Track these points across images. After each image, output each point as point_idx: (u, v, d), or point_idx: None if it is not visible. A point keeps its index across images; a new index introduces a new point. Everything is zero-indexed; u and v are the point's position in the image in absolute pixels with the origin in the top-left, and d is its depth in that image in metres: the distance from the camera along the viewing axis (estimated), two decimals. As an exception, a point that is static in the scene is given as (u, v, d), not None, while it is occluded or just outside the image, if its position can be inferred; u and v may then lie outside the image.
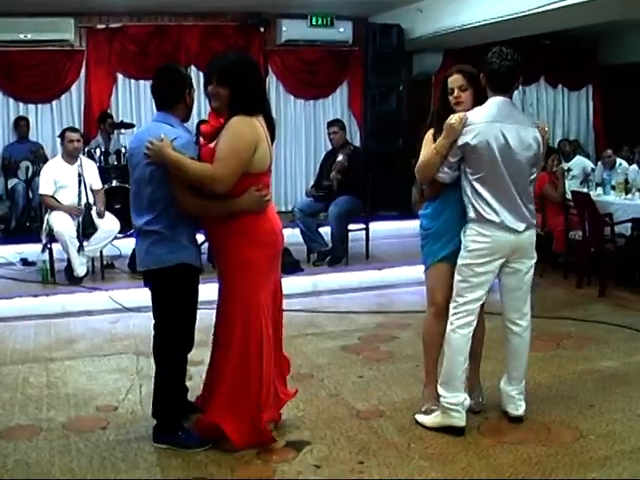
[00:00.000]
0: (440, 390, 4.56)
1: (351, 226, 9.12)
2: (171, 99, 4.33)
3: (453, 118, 4.38)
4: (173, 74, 4.42)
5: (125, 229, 8.17)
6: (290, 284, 8.22)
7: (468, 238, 4.48)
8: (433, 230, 4.64)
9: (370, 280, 8.75)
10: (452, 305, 4.53)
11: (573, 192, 8.77)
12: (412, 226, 11.33)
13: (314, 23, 11.43)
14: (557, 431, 4.61)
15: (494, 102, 4.45)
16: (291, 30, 11.46)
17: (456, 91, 4.56)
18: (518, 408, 4.74)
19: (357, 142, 11.88)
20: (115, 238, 8.23)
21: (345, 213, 8.86)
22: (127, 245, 8.15)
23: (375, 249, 9.53)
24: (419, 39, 11.34)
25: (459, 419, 4.52)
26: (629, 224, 8.32)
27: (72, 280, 7.96)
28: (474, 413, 4.77)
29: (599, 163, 10.74)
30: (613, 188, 9.40)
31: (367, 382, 5.51)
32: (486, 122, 4.37)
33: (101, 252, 8.20)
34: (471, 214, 4.45)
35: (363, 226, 9.34)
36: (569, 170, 10.00)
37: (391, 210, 11.18)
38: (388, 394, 5.25)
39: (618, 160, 10.63)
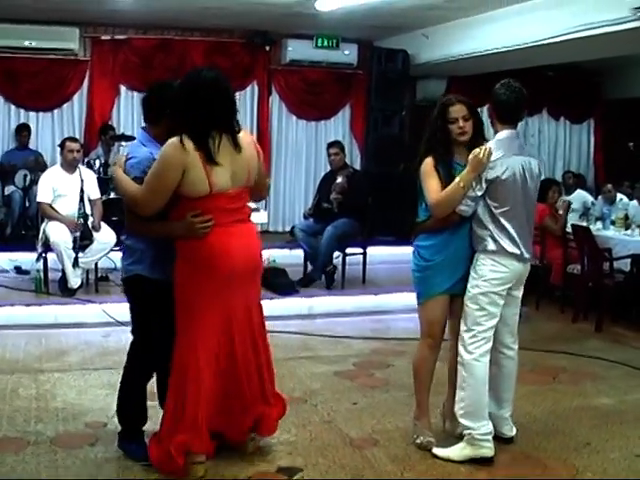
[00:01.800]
0: (466, 422, 4.52)
1: (348, 250, 9.06)
2: (149, 116, 4.32)
3: (480, 152, 4.35)
4: (157, 91, 4.33)
5: (121, 242, 8.08)
6: (285, 305, 8.30)
7: (485, 268, 4.49)
8: (437, 262, 4.56)
9: (366, 305, 8.67)
10: (468, 335, 4.52)
11: (573, 226, 8.73)
12: (408, 252, 11.35)
13: (319, 44, 11.42)
14: (553, 467, 4.55)
15: (509, 135, 4.56)
16: (296, 50, 11.44)
17: (461, 121, 4.53)
18: (512, 429, 4.82)
19: (357, 165, 11.83)
20: (111, 250, 8.15)
21: (340, 235, 8.78)
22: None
23: (372, 274, 9.45)
24: (424, 65, 11.33)
25: (489, 449, 4.52)
26: (628, 260, 8.28)
27: (66, 291, 7.88)
28: (458, 438, 4.70)
29: (599, 197, 10.71)
30: (613, 223, 9.39)
31: (361, 409, 5.43)
32: (513, 155, 4.47)
33: (96, 264, 8.12)
34: (491, 247, 4.47)
35: (361, 250, 9.28)
36: (570, 203, 9.96)
37: (388, 235, 11.09)
38: (382, 423, 5.17)
39: (619, 195, 10.60)
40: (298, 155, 12.25)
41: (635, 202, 10.12)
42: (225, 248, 4.05)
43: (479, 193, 4.43)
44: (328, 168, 9.71)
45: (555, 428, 5.18)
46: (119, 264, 8.52)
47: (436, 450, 4.62)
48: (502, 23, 9.35)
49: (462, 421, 4.55)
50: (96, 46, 11.03)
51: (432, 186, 4.46)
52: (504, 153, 4.45)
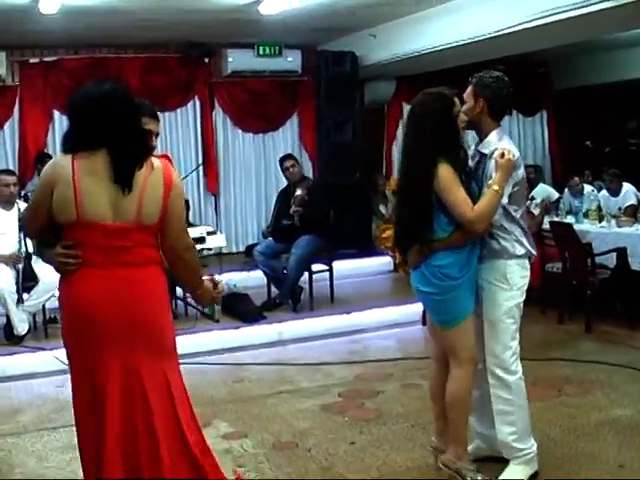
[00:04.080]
0: (520, 445, 4.15)
1: (314, 267, 8.48)
2: None
3: (507, 153, 3.94)
4: None
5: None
6: (252, 334, 7.72)
7: (515, 275, 4.10)
8: (465, 279, 4.01)
9: (338, 325, 8.08)
10: (508, 353, 4.11)
11: (552, 223, 8.28)
12: (373, 264, 11.01)
13: (261, 53, 10.80)
14: (593, 501, 4.01)
15: (503, 131, 4.19)
16: (237, 60, 10.79)
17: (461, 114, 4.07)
18: None
19: (310, 176, 11.22)
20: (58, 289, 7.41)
21: (307, 256, 8.23)
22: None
23: (339, 290, 8.87)
24: (373, 66, 10.83)
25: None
26: (608, 255, 7.85)
27: (12, 339, 7.16)
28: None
29: (566, 190, 10.27)
30: (585, 216, 8.99)
31: (361, 449, 4.82)
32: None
33: (43, 306, 7.40)
34: (519, 251, 4.11)
35: (326, 267, 8.71)
36: (532, 199, 9.51)
37: (350, 247, 10.52)
38: (388, 463, 4.58)
39: (586, 187, 10.19)
40: (247, 170, 11.61)
41: (605, 192, 9.72)
42: (85, 295, 3.21)
43: (506, 199, 3.98)
44: (280, 183, 9.24)
45: (580, 450, 4.64)
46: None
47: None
48: (454, 17, 8.85)
49: (516, 445, 4.14)
50: (25, 70, 10.27)
51: (463, 198, 3.91)
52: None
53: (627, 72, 12.00)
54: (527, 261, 4.18)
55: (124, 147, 3.18)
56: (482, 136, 4.16)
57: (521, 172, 4.08)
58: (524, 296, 4.15)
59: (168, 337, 3.36)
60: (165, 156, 3.51)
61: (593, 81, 12.61)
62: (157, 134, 3.85)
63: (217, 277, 3.88)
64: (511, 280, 4.08)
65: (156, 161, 3.28)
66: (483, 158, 4.08)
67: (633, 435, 4.87)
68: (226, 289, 3.79)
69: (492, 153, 4.00)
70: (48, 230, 3.32)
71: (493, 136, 4.11)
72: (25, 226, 3.50)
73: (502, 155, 3.93)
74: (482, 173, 4.05)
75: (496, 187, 3.89)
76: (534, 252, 4.21)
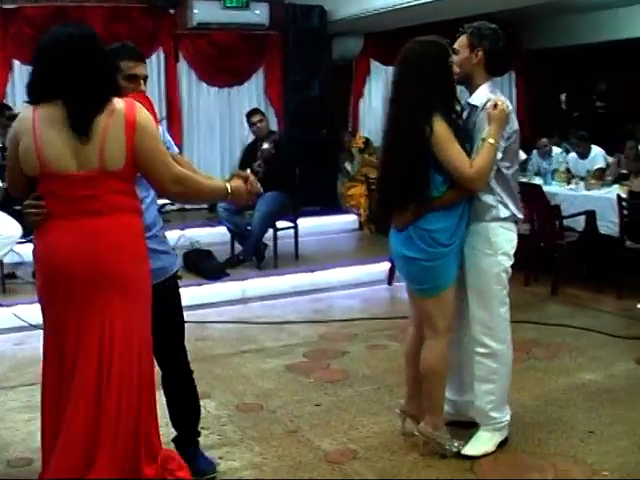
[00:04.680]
0: (496, 414, 4.06)
1: (279, 224, 8.32)
2: None
3: (500, 104, 3.76)
4: None
5: (28, 233, 7.14)
6: (215, 291, 7.57)
7: (500, 239, 3.93)
8: (455, 245, 3.88)
9: (302, 284, 7.97)
10: (497, 320, 4.04)
11: (521, 184, 8.13)
12: (338, 222, 10.87)
13: (228, 4, 10.42)
14: (564, 468, 3.93)
15: (495, 85, 4.02)
16: (203, 12, 10.41)
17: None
18: None
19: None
20: (17, 243, 7.17)
21: (272, 213, 8.06)
22: (30, 251, 7.15)
23: (303, 248, 8.71)
24: (341, 21, 10.58)
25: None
26: (577, 217, 7.80)
27: (-33, 295, 6.93)
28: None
29: (534, 152, 10.15)
30: (553, 178, 8.91)
31: (327, 412, 4.71)
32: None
33: (1, 261, 7.16)
34: (503, 213, 3.92)
35: (291, 224, 8.55)
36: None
37: (314, 205, 10.37)
38: (355, 427, 4.47)
39: (554, 149, 10.10)
40: (211, 125, 11.31)
41: (574, 154, 9.63)
42: (52, 245, 3.11)
43: (500, 154, 3.79)
44: (245, 138, 9.08)
45: (550, 416, 4.57)
46: (28, 258, 7.70)
47: (467, 450, 4.02)
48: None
49: (492, 414, 4.05)
50: (-18, 18, 9.88)
51: (460, 154, 3.74)
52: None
53: (597, 34, 11.87)
54: (514, 225, 4.02)
55: (78, 95, 3.00)
56: (472, 90, 3.98)
57: (515, 126, 3.90)
58: (512, 260, 4.01)
59: (140, 287, 3.20)
60: (140, 95, 3.34)
61: (563, 43, 12.46)
62: (145, 77, 3.67)
63: (243, 172, 3.55)
64: (495, 245, 3.91)
65: (119, 103, 3.08)
66: (474, 111, 3.90)
67: (602, 401, 4.81)
68: (256, 184, 3.49)
69: (484, 105, 3.82)
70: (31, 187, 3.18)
71: (484, 89, 3.92)
72: (9, 187, 3.26)
73: (495, 106, 3.76)
74: (473, 127, 3.86)
75: (492, 140, 3.72)
76: (520, 215, 4.04)
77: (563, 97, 13.38)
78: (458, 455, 3.99)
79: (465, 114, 3.97)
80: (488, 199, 3.89)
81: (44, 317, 3.23)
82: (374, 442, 4.24)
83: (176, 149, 3.89)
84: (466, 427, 4.19)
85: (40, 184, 3.10)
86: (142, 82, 3.61)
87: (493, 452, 4.04)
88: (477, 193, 3.86)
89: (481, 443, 4.06)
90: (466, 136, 3.87)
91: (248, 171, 3.53)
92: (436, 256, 3.82)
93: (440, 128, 3.69)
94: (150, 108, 3.39)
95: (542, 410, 4.67)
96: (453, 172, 3.73)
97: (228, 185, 3.36)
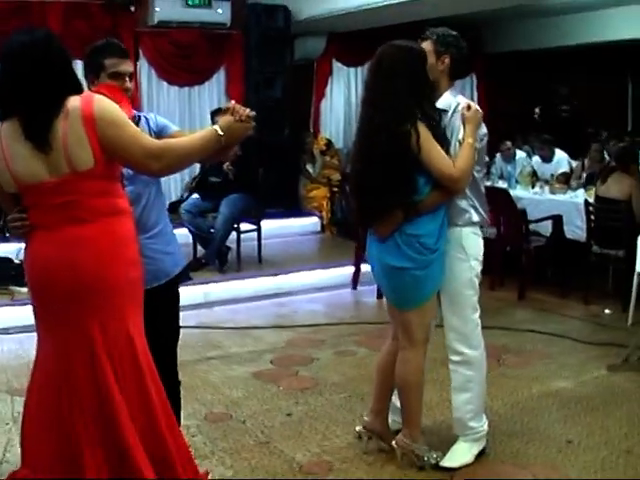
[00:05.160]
0: (474, 424, 3.96)
1: (242, 226, 8.17)
2: None
3: (473, 105, 3.77)
4: None
5: None
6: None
7: (471, 243, 3.88)
8: (441, 250, 3.77)
9: (266, 288, 7.85)
10: (469, 327, 3.95)
11: (487, 188, 8.08)
12: (300, 224, 10.73)
13: (190, 3, 10.19)
14: (545, 476, 3.84)
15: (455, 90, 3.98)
16: (164, 10, 10.17)
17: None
18: None
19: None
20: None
21: (236, 215, 7.91)
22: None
23: (266, 251, 8.58)
24: (305, 21, 10.46)
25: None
26: (544, 222, 7.76)
27: None
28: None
29: (497, 155, 10.12)
30: (517, 182, 8.88)
31: (298, 422, 4.56)
32: None
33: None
34: (475, 218, 3.86)
35: (254, 227, 8.41)
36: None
37: (276, 207, 10.21)
38: (328, 437, 4.33)
39: (518, 152, 10.08)
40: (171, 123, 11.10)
41: (537, 158, 9.61)
42: (34, 257, 2.97)
43: (476, 155, 3.74)
44: None
45: (527, 426, 4.49)
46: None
47: (446, 462, 3.90)
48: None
49: (471, 424, 3.95)
50: None
51: (444, 156, 3.66)
52: None
53: (559, 39, 11.89)
54: (481, 229, 3.96)
55: (28, 107, 2.82)
56: (437, 95, 3.87)
57: (485, 129, 3.85)
58: (482, 265, 3.94)
59: (126, 297, 2.98)
60: (106, 86, 3.17)
61: (525, 46, 12.49)
62: (130, 73, 3.50)
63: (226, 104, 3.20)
64: (468, 250, 3.85)
65: (75, 100, 2.86)
66: (444, 115, 3.81)
67: (577, 409, 4.75)
68: (244, 109, 3.07)
69: (454, 109, 3.78)
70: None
71: (448, 95, 3.87)
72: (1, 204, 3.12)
73: (468, 108, 3.73)
74: (444, 131, 3.78)
75: (470, 140, 3.68)
76: (488, 220, 4.04)
77: (524, 101, 13.33)
78: (436, 467, 3.88)
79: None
80: (462, 203, 3.83)
81: (37, 326, 3.05)
82: (349, 453, 4.11)
83: (173, 128, 3.66)
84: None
85: (23, 198, 2.95)
86: (127, 79, 3.46)
87: (472, 463, 3.94)
88: (452, 197, 3.79)
89: (460, 454, 3.95)
90: (440, 140, 3.77)
91: (232, 102, 3.14)
92: (425, 263, 3.71)
93: (423, 131, 3.60)
94: (118, 95, 3.22)
95: (518, 419, 4.59)
96: (438, 173, 3.64)
97: (216, 126, 3.03)
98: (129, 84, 3.46)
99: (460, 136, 3.71)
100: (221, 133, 3.00)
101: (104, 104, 2.90)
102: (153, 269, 3.30)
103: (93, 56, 3.47)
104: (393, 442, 3.93)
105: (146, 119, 3.58)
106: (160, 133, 3.52)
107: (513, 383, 5.21)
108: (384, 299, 4.20)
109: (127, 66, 3.49)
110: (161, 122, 3.63)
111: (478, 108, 3.79)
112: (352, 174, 4.00)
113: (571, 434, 4.36)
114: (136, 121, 3.46)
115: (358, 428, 4.15)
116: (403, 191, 3.63)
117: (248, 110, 3.08)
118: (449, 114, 3.79)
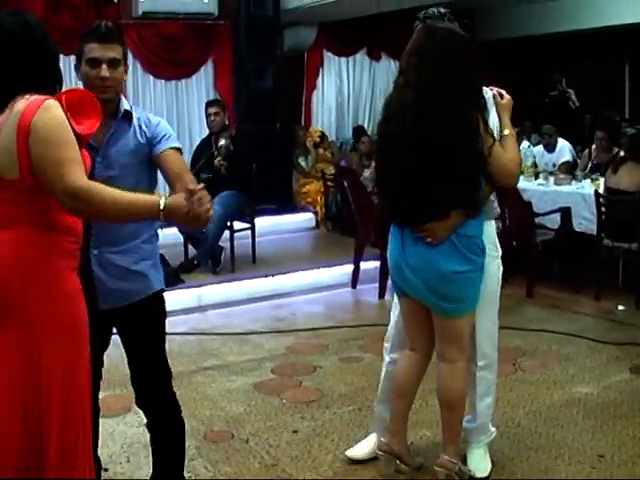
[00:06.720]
0: (491, 427, 3.78)
1: (235, 225, 7.81)
2: None
3: (504, 92, 3.52)
4: None
5: None
6: (169, 299, 6.84)
7: (496, 238, 3.60)
8: (486, 249, 3.44)
9: (262, 289, 7.46)
10: (497, 328, 3.70)
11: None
12: (294, 220, 10.37)
13: (176, -7, 9.89)
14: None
15: None
16: (149, 1, 9.79)
17: None
18: None
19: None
20: None
21: (229, 214, 7.54)
22: None
23: (260, 249, 8.20)
24: (294, 10, 10.10)
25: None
26: (550, 215, 7.43)
27: None
28: None
29: (497, 145, 9.77)
30: (521, 172, 8.53)
31: (306, 440, 4.21)
32: None
33: None
34: (497, 210, 3.70)
35: (248, 225, 8.05)
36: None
37: (269, 203, 9.84)
38: (339, 457, 3.98)
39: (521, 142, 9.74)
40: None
41: (540, 148, 9.29)
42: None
43: None
44: (193, 132, 9.06)
45: (552, 438, 4.15)
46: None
47: (479, 473, 3.64)
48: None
49: (491, 428, 3.77)
50: None
51: (502, 149, 3.37)
52: None
53: (555, 25, 11.59)
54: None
55: None
56: None
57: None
58: None
59: (38, 313, 2.49)
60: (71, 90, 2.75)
61: (519, 33, 12.21)
62: (110, 60, 3.00)
63: (192, 184, 2.58)
64: (498, 244, 3.59)
65: (21, 104, 2.44)
66: None
67: (604, 417, 4.42)
68: (205, 203, 2.45)
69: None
70: None
71: None
72: None
73: (501, 96, 3.46)
74: None
75: (507, 131, 3.41)
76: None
77: (520, 89, 12.99)
78: (471, 480, 3.56)
79: None
80: (492, 195, 3.56)
81: None
82: (365, 474, 3.77)
83: (171, 144, 3.09)
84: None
85: None
86: (104, 66, 2.97)
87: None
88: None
89: (482, 462, 3.70)
90: None
91: (201, 185, 2.55)
92: (480, 265, 3.40)
93: (482, 120, 3.26)
94: (86, 104, 2.75)
95: (542, 431, 4.25)
96: (503, 168, 3.34)
97: (163, 199, 2.51)
98: (105, 72, 2.98)
99: (504, 128, 3.45)
100: (162, 208, 2.48)
101: (47, 116, 2.44)
102: (115, 288, 3.03)
103: (80, 43, 3.07)
104: (435, 465, 3.56)
105: (138, 120, 3.12)
106: (151, 143, 3.07)
107: (532, 389, 4.88)
108: (387, 299, 3.87)
109: (106, 51, 2.99)
110: (159, 130, 3.12)
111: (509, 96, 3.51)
112: (391, 169, 3.45)
113: (602, 447, 4.03)
114: (122, 115, 3.09)
115: (378, 452, 3.75)
116: (472, 187, 3.29)
117: (208, 206, 2.50)
118: None
